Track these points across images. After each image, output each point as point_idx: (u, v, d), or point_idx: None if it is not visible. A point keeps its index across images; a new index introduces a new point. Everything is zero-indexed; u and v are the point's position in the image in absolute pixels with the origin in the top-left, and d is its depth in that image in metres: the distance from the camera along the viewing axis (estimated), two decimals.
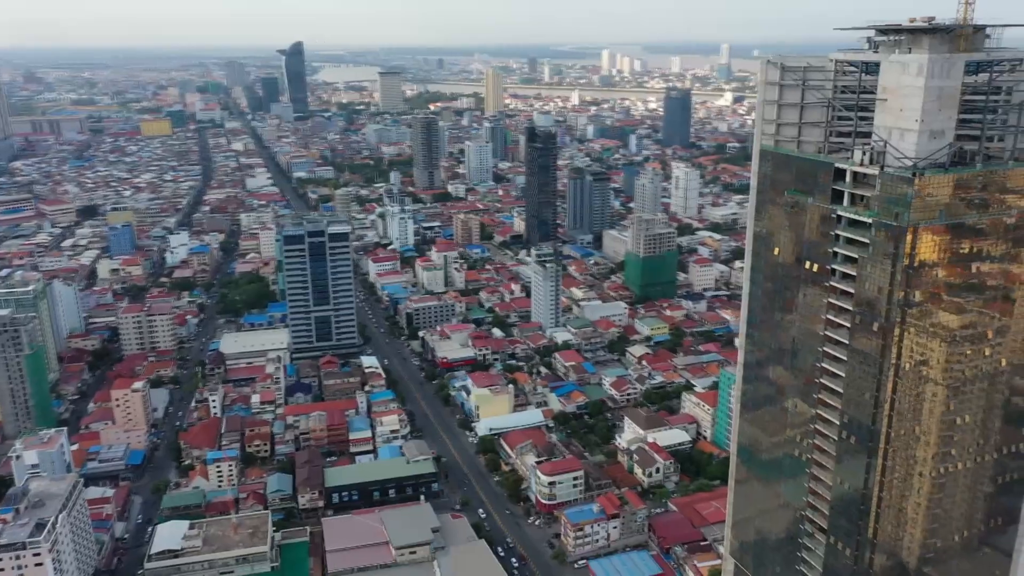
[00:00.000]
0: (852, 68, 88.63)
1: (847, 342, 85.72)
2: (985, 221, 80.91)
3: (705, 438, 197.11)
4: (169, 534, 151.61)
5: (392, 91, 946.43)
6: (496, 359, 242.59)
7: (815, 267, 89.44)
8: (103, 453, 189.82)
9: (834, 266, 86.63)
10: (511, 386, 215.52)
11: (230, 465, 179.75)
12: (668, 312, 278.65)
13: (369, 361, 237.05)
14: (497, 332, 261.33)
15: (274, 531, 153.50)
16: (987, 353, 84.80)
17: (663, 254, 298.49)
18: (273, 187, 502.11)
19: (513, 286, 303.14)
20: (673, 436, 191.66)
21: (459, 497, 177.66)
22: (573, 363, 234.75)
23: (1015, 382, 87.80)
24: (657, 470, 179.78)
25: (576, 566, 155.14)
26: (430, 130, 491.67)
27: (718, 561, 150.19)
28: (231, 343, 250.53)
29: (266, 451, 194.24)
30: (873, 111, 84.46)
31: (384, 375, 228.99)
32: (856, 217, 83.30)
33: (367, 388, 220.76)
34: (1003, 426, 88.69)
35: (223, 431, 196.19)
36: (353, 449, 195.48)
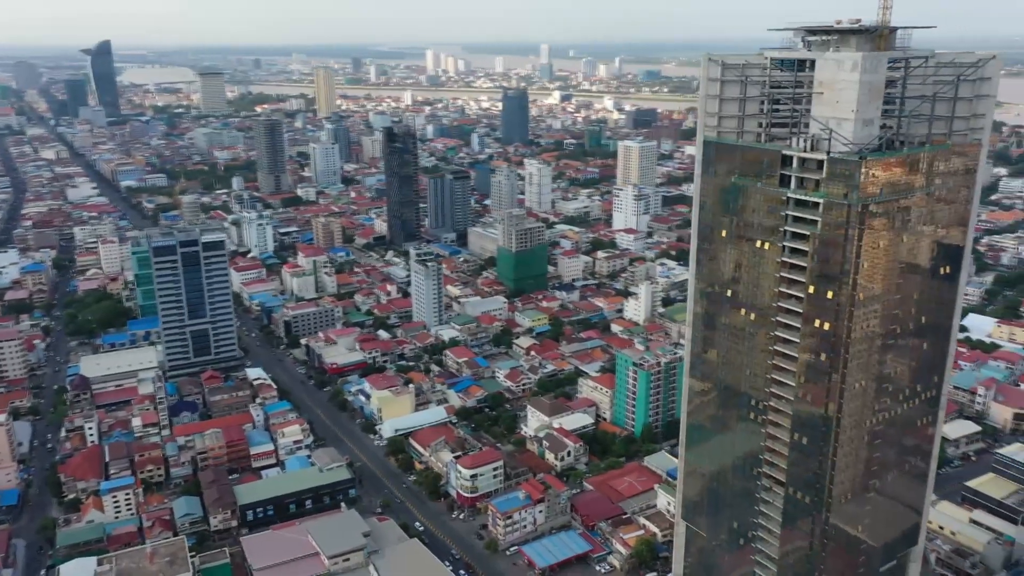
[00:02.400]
0: (775, 66, 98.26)
1: (801, 311, 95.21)
2: (915, 196, 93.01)
3: (605, 419, 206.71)
4: (76, 573, 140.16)
5: (214, 93, 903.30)
6: (386, 361, 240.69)
7: (766, 245, 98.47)
8: None
9: (785, 243, 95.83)
10: (411, 386, 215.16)
11: (127, 493, 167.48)
12: (544, 304, 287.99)
13: (256, 373, 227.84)
14: (383, 334, 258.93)
15: (192, 556, 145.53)
16: (912, 312, 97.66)
17: (533, 248, 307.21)
18: (101, 198, 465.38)
19: (389, 287, 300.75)
20: (577, 420, 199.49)
21: (379, 500, 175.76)
22: (465, 359, 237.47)
23: (936, 341, 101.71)
24: (568, 453, 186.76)
25: (508, 553, 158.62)
26: (274, 133, 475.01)
27: (642, 531, 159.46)
28: (93, 366, 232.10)
29: (160, 475, 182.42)
30: (807, 103, 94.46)
31: (274, 386, 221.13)
32: (805, 198, 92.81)
33: (259, 400, 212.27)
34: (930, 377, 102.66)
35: (108, 459, 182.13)
36: (256, 464, 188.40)
